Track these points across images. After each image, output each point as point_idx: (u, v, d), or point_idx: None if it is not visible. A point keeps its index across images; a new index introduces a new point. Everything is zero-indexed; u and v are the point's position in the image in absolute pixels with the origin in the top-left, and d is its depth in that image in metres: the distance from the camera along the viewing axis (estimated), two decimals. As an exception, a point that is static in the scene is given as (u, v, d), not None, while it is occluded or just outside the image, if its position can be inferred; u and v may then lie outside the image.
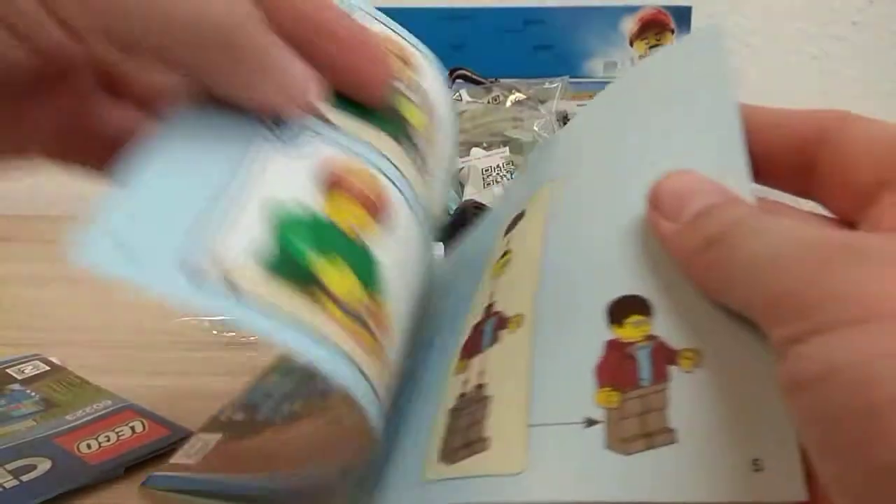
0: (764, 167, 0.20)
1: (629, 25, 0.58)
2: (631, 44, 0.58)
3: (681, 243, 0.18)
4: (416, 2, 0.59)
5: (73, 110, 0.21)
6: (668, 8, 0.57)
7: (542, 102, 0.54)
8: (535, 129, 0.50)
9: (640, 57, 0.58)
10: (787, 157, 0.21)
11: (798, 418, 0.13)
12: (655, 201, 0.19)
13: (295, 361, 0.34)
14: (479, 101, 0.53)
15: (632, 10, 0.57)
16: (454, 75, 0.57)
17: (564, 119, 0.55)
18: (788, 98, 0.66)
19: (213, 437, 0.29)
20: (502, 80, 0.55)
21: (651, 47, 0.58)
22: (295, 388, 0.31)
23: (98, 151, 0.21)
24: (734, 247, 0.16)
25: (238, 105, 0.18)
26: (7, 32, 0.16)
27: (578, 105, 0.58)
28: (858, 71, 0.65)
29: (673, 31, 0.58)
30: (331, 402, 0.28)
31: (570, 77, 0.57)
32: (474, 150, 0.49)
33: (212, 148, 0.17)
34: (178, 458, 0.28)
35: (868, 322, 0.12)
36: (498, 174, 0.48)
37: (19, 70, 0.17)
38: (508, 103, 0.53)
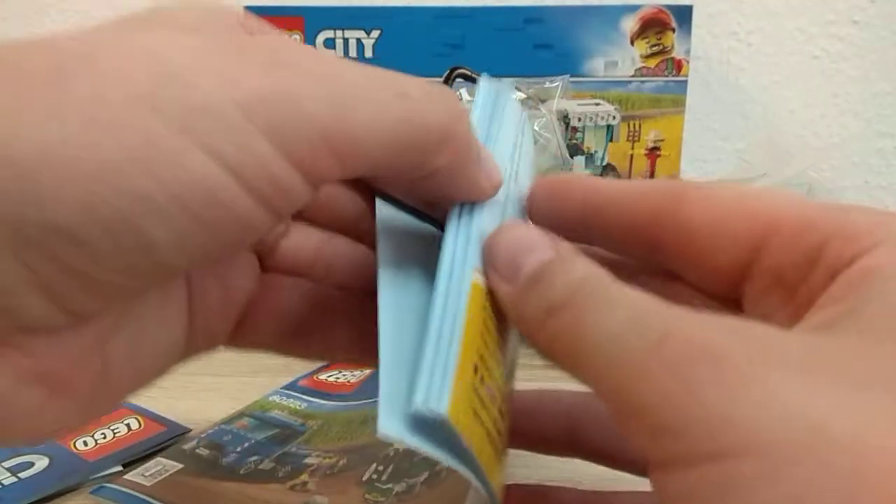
0: (616, 246, 0.20)
1: (630, 24, 0.57)
2: (632, 43, 0.58)
3: (521, 310, 0.17)
4: (416, 1, 0.59)
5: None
6: (669, 7, 0.57)
7: (543, 102, 0.54)
8: (536, 128, 0.50)
9: (642, 56, 0.58)
10: (632, 238, 0.20)
11: None
12: (491, 260, 0.17)
13: (269, 416, 0.34)
14: (479, 100, 0.53)
15: (632, 9, 0.57)
16: (454, 74, 0.57)
17: (565, 118, 0.55)
18: (788, 98, 0.66)
19: (174, 465, 0.30)
20: (502, 80, 0.55)
21: (652, 46, 0.58)
22: (267, 443, 0.32)
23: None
24: (577, 320, 0.15)
25: (451, 198, 0.18)
26: (252, 198, 0.14)
27: (579, 104, 0.58)
28: (859, 70, 0.65)
29: (674, 31, 0.58)
30: (303, 476, 0.29)
31: (571, 76, 0.57)
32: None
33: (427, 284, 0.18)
34: (133, 476, 0.29)
35: (738, 458, 0.12)
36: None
37: (256, 230, 0.15)
38: (508, 102, 0.52)
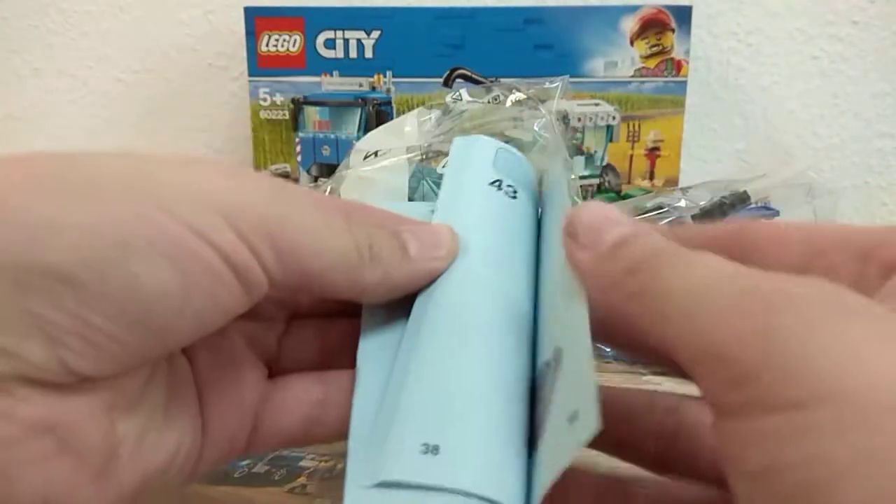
0: None
1: (629, 25, 0.57)
2: (631, 43, 0.58)
3: (599, 272, 0.18)
4: (416, 1, 0.59)
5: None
6: (669, 7, 0.57)
7: (543, 102, 0.54)
8: (536, 128, 0.50)
9: (641, 56, 0.58)
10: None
11: (738, 498, 0.13)
12: (571, 231, 0.19)
13: None
14: (479, 100, 0.53)
15: (632, 9, 0.57)
16: (454, 75, 0.57)
17: (564, 119, 0.55)
18: (788, 98, 0.66)
19: None
20: (502, 80, 0.55)
21: (652, 47, 0.58)
22: None
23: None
24: (655, 277, 0.16)
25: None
26: (217, 255, 0.17)
27: (579, 105, 0.58)
28: (859, 71, 0.65)
29: (673, 31, 0.58)
30: (301, 479, 0.29)
31: (571, 77, 0.57)
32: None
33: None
34: None
35: (817, 406, 0.11)
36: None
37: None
38: (508, 103, 0.52)
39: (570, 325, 0.18)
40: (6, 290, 0.15)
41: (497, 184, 0.25)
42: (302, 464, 0.30)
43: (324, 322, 0.24)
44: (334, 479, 0.29)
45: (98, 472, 0.17)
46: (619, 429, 0.22)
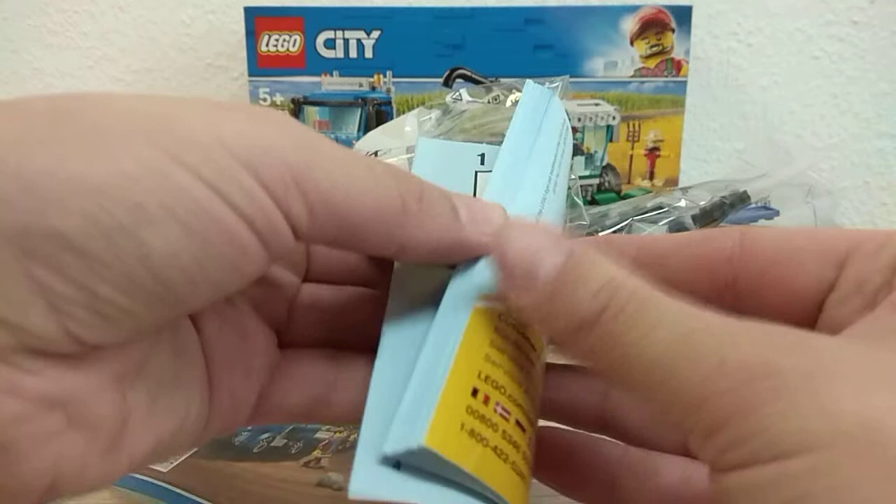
0: (682, 292, 0.20)
1: (629, 25, 0.57)
2: (631, 43, 0.58)
3: (549, 324, 0.16)
4: (416, 1, 0.59)
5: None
6: (669, 7, 0.57)
7: (543, 102, 0.54)
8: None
9: (641, 56, 0.58)
10: (696, 281, 0.20)
11: None
12: (506, 271, 0.17)
13: None
14: (479, 100, 0.53)
15: (632, 9, 0.57)
16: (454, 75, 0.57)
17: (564, 119, 0.55)
18: (788, 98, 0.66)
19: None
20: (502, 80, 0.55)
21: (652, 47, 0.58)
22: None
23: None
24: (618, 340, 0.15)
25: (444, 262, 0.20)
26: (236, 215, 0.15)
27: (579, 105, 0.58)
28: (859, 71, 0.65)
29: (673, 31, 0.58)
30: (316, 452, 0.29)
31: (571, 77, 0.57)
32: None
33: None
34: None
35: (792, 456, 0.12)
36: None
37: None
38: (508, 103, 0.52)
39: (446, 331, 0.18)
40: (7, 255, 0.14)
41: (553, 168, 0.23)
42: (317, 436, 0.31)
43: (337, 291, 0.23)
44: (348, 451, 0.29)
45: (109, 446, 0.16)
46: (561, 473, 0.22)
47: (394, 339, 0.19)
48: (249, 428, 0.31)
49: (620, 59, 0.58)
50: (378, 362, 0.19)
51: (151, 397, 0.17)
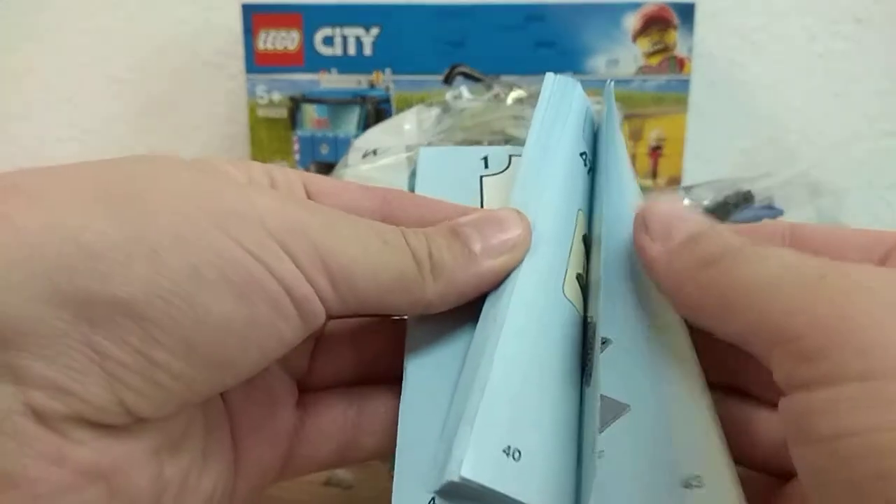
0: None
1: (632, 22, 0.57)
2: (634, 41, 0.57)
3: (671, 265, 0.18)
4: (416, -2, 0.59)
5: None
6: (672, 5, 0.57)
7: (544, 100, 0.53)
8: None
9: (644, 54, 0.57)
10: None
11: (803, 468, 0.13)
12: (644, 224, 0.19)
13: None
14: (480, 98, 0.53)
15: (634, 6, 0.57)
16: (454, 72, 0.56)
17: (566, 117, 0.54)
18: (792, 96, 0.66)
19: None
20: (503, 78, 0.54)
21: (654, 44, 0.57)
22: None
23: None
24: (731, 269, 0.16)
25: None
26: (276, 281, 0.16)
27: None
28: (864, 69, 0.65)
29: (676, 28, 0.57)
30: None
31: (573, 74, 0.56)
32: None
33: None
34: None
35: (889, 377, 0.12)
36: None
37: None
38: (509, 101, 0.52)
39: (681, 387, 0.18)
40: (68, 322, 0.14)
41: (584, 157, 0.23)
42: None
43: (357, 329, 0.23)
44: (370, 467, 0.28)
45: None
46: None
47: (419, 367, 0.19)
48: None
49: (623, 57, 0.58)
50: (405, 394, 0.19)
51: (184, 474, 0.18)
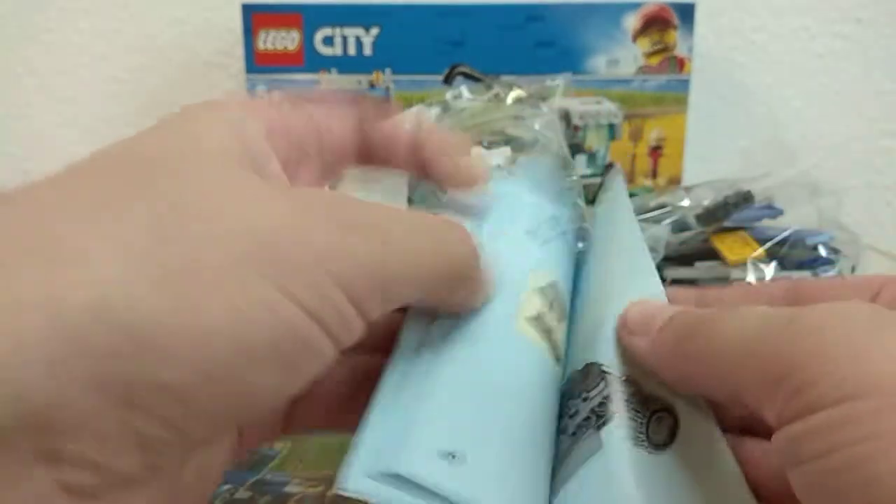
0: None
1: (632, 22, 0.57)
2: (634, 40, 0.57)
3: (655, 350, 0.20)
4: (416, -2, 0.59)
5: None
6: (672, 4, 0.57)
7: (544, 100, 0.53)
8: (537, 127, 0.50)
9: (644, 54, 0.57)
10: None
11: (799, 489, 0.15)
12: (627, 326, 0.21)
13: None
14: (480, 98, 0.53)
15: (634, 6, 0.57)
16: (454, 72, 0.56)
17: (566, 117, 0.54)
18: (792, 96, 0.66)
19: None
20: (503, 78, 0.54)
21: (654, 44, 0.57)
22: (235, 470, 0.31)
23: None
24: (708, 336, 0.18)
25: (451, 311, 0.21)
26: (329, 338, 0.16)
27: (581, 103, 0.57)
28: (863, 69, 0.65)
29: (676, 28, 0.57)
30: None
31: (573, 74, 0.56)
32: (475, 149, 0.48)
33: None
34: None
35: (855, 398, 0.14)
36: (499, 174, 0.47)
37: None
38: (509, 101, 0.52)
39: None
40: (109, 406, 0.13)
41: (553, 220, 0.27)
42: (287, 489, 0.29)
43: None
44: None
45: None
46: None
47: (407, 347, 0.21)
48: None
49: (623, 57, 0.57)
50: (386, 375, 0.20)
51: (198, 469, 0.18)
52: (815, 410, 0.14)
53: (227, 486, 0.29)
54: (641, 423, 0.19)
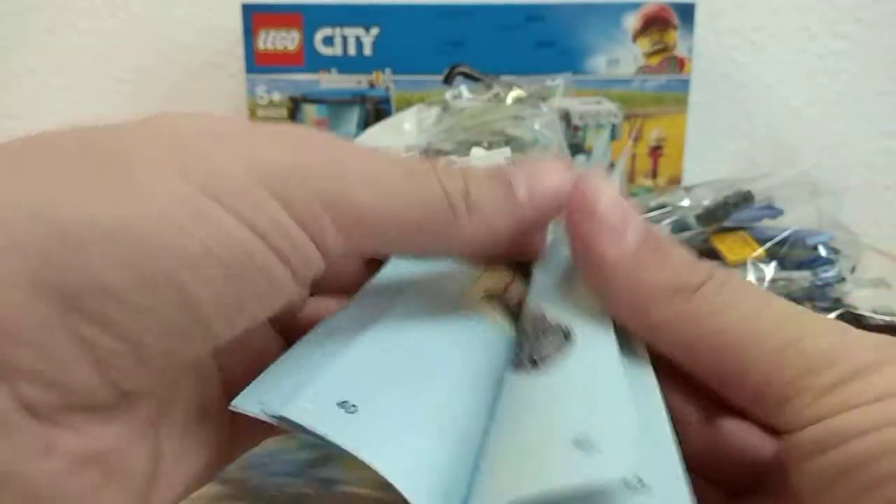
0: None
1: (632, 22, 0.57)
2: (634, 40, 0.57)
3: (637, 279, 0.16)
4: (416, -2, 0.59)
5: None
6: (672, 4, 0.57)
7: (544, 100, 0.53)
8: (537, 127, 0.50)
9: (644, 54, 0.57)
10: None
11: (805, 482, 0.14)
12: (593, 211, 0.16)
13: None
14: (480, 98, 0.53)
15: (634, 6, 0.57)
16: (454, 72, 0.56)
17: (566, 117, 0.54)
18: (792, 96, 0.66)
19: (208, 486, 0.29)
20: (503, 78, 0.54)
21: (654, 44, 0.57)
22: (301, 465, 0.31)
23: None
24: (720, 313, 0.15)
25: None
26: (278, 258, 0.15)
27: (581, 103, 0.57)
28: (863, 69, 0.64)
29: (676, 28, 0.57)
30: None
31: (573, 74, 0.56)
32: (475, 149, 0.48)
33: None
34: None
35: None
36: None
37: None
38: (509, 100, 0.52)
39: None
40: (51, 312, 0.13)
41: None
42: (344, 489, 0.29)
43: (349, 273, 0.22)
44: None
45: (144, 495, 0.16)
46: None
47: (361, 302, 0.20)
48: (276, 471, 0.29)
49: (623, 57, 0.57)
50: (324, 322, 0.19)
51: (180, 435, 0.17)
52: (858, 404, 0.14)
53: (288, 480, 0.29)
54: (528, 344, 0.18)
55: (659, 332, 0.16)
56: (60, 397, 0.14)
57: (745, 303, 0.16)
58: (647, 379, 0.17)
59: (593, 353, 0.16)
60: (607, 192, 0.17)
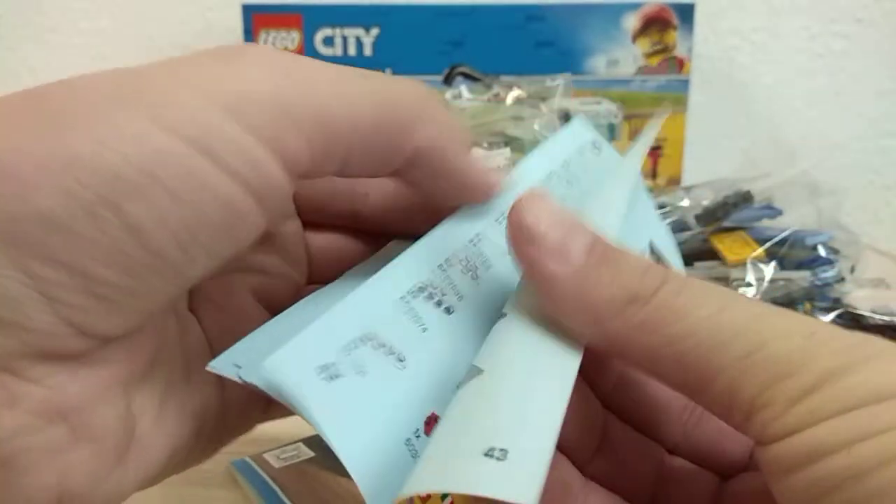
0: None
1: (632, 22, 0.57)
2: (634, 41, 0.57)
3: (587, 294, 0.15)
4: (416, -2, 0.59)
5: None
6: (672, 5, 0.57)
7: (544, 100, 0.53)
8: (536, 127, 0.50)
9: (644, 54, 0.57)
10: None
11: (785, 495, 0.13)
12: (533, 233, 0.16)
13: None
14: (480, 98, 0.53)
15: (634, 6, 0.57)
16: (454, 72, 0.56)
17: (566, 117, 0.54)
18: (791, 96, 0.66)
19: (308, 453, 0.30)
20: (503, 78, 0.54)
21: (654, 44, 0.57)
22: None
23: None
24: (678, 318, 0.14)
25: (443, 191, 0.19)
26: (227, 175, 0.14)
27: (580, 103, 0.57)
28: (864, 69, 0.65)
29: (676, 29, 0.57)
30: None
31: (572, 74, 0.56)
32: (474, 150, 0.48)
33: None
34: (269, 455, 0.30)
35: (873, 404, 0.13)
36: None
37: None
38: (509, 101, 0.52)
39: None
40: None
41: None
42: None
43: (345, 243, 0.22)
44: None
45: (118, 457, 0.15)
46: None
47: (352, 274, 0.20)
48: None
49: (622, 57, 0.57)
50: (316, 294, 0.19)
51: (160, 400, 0.17)
52: (828, 416, 0.13)
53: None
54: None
55: (619, 345, 0.15)
56: (19, 340, 0.13)
57: (704, 305, 0.14)
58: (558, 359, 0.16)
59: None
60: (546, 211, 0.16)
